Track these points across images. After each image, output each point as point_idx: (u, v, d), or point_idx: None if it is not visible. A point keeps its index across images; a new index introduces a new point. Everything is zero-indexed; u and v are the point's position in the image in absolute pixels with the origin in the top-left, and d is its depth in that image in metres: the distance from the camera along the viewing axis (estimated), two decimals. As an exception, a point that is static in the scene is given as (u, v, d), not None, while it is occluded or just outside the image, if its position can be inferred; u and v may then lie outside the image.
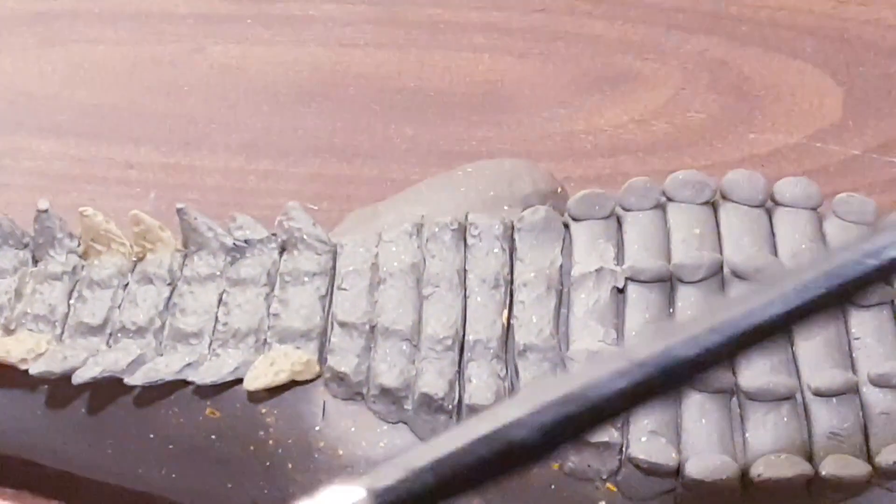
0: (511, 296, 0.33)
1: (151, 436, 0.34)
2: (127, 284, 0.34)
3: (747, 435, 0.31)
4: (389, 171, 0.47)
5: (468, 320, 0.32)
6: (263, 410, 0.32)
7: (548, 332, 0.32)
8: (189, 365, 0.32)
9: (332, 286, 0.33)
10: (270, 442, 0.32)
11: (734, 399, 0.31)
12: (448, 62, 0.50)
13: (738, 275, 0.33)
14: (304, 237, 0.34)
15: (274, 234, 0.35)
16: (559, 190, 0.38)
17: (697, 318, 0.19)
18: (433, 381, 0.31)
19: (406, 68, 0.50)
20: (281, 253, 0.34)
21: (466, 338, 0.32)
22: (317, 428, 0.32)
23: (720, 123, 0.47)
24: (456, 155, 0.47)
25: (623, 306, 0.32)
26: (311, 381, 0.32)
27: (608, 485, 0.31)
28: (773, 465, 0.30)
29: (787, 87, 0.48)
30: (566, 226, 0.34)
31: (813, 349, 0.32)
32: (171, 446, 0.34)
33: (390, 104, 0.49)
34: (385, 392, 0.31)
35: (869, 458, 0.30)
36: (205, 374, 0.32)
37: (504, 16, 0.51)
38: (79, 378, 0.32)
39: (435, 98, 0.49)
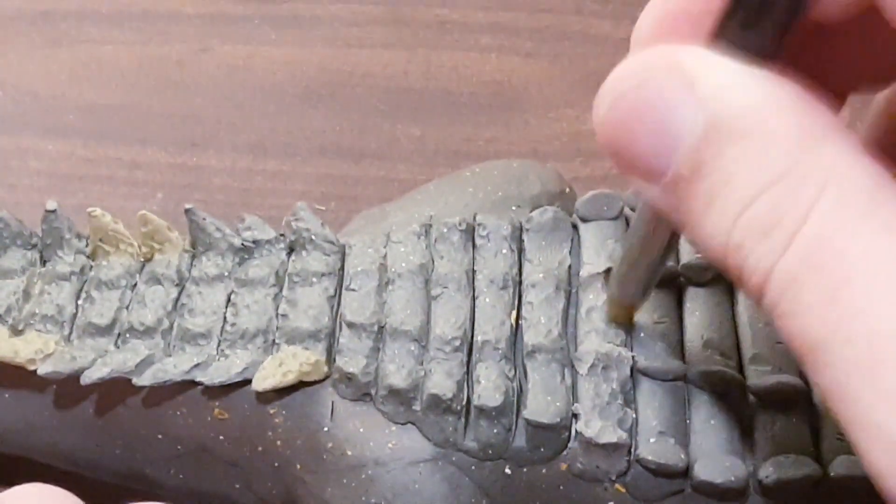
0: (519, 296, 0.33)
1: (159, 436, 0.34)
2: (135, 285, 0.34)
3: (756, 436, 0.31)
4: (397, 172, 0.47)
5: (477, 321, 0.32)
6: (272, 411, 0.32)
7: (556, 332, 0.32)
8: (197, 365, 0.32)
9: (341, 287, 0.33)
10: (278, 443, 0.32)
11: (743, 400, 0.31)
12: (455, 62, 0.50)
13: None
14: (313, 238, 0.34)
15: (282, 235, 0.35)
16: (567, 190, 0.38)
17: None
18: (441, 382, 0.31)
19: (413, 68, 0.50)
20: (289, 253, 0.34)
21: (475, 338, 0.32)
22: (325, 429, 0.32)
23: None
24: (463, 155, 0.47)
25: (632, 307, 0.32)
26: (320, 381, 0.32)
27: (617, 486, 0.31)
28: (783, 467, 0.30)
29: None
30: (575, 226, 0.34)
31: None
32: (179, 447, 0.34)
33: (397, 104, 0.49)
34: (393, 393, 0.31)
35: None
36: (213, 375, 0.32)
37: (511, 16, 0.51)
38: (87, 378, 0.32)
39: (442, 98, 0.49)
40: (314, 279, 0.33)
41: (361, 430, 0.32)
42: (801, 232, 0.19)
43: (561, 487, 0.31)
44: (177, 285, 0.34)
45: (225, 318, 0.33)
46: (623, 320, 0.32)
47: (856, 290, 0.19)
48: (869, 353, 0.19)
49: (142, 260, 0.35)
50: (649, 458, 0.30)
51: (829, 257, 0.19)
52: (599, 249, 0.33)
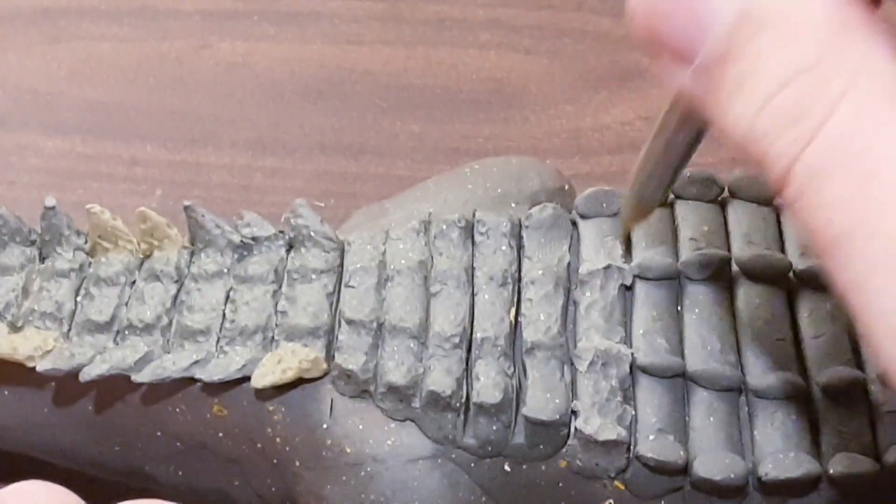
0: (519, 293, 0.33)
1: (158, 433, 0.34)
2: (134, 282, 0.34)
3: (755, 433, 0.31)
4: (396, 168, 0.47)
5: (476, 318, 0.32)
6: (271, 408, 0.32)
7: (555, 329, 0.32)
8: (196, 362, 0.32)
9: (340, 284, 0.33)
10: (277, 440, 0.32)
11: (742, 397, 0.31)
12: (454, 59, 0.50)
13: (746, 272, 0.33)
14: (312, 234, 0.34)
15: (281, 232, 0.35)
16: (566, 187, 0.37)
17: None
18: (441, 379, 0.31)
19: (412, 65, 0.50)
20: (288, 250, 0.34)
21: (474, 335, 0.32)
22: (324, 426, 0.32)
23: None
24: (463, 152, 0.47)
25: (631, 304, 0.32)
26: (319, 378, 0.32)
27: (616, 483, 0.31)
28: (782, 464, 0.30)
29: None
30: (574, 223, 0.34)
31: (821, 347, 0.32)
32: (178, 444, 0.34)
33: (397, 101, 0.49)
34: (392, 390, 0.31)
35: (877, 457, 0.30)
36: (212, 372, 0.32)
37: (510, 13, 0.51)
38: (86, 375, 0.32)
39: (441, 95, 0.49)
40: (313, 276, 0.33)
41: (360, 427, 0.32)
42: (827, 124, 0.19)
43: (560, 484, 0.31)
44: (176, 282, 0.34)
45: (224, 314, 0.33)
46: (636, 223, 0.32)
47: (882, 184, 0.19)
48: (893, 248, 0.19)
49: (141, 257, 0.35)
50: (648, 455, 0.30)
51: (856, 150, 0.19)
52: (598, 246, 0.33)
